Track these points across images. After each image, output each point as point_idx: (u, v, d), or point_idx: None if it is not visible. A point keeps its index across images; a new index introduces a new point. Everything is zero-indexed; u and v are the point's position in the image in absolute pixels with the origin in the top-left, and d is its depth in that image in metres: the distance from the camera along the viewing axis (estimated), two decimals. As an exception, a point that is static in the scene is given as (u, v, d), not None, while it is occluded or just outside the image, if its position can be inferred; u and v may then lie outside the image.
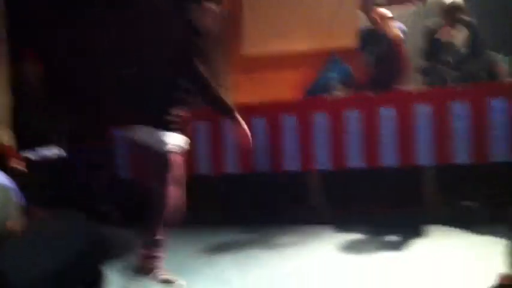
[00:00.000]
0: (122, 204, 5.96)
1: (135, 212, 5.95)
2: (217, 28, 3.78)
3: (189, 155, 5.84)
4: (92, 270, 1.65)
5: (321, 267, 4.25)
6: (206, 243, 5.06)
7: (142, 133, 3.85)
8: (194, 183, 5.86)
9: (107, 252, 1.68)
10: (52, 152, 5.49)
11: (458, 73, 5.92)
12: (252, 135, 5.77)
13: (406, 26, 6.31)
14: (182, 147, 4.00)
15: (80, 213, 1.72)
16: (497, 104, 5.23)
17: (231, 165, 5.83)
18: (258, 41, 7.24)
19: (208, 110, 4.14)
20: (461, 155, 5.25)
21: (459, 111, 5.32)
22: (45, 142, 5.46)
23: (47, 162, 5.38)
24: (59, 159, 5.54)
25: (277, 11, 7.20)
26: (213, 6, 3.80)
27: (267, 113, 5.80)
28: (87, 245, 1.60)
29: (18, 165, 4.65)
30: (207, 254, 4.84)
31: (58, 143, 5.57)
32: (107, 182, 6.05)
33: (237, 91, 7.02)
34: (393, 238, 4.82)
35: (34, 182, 5.23)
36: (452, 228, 4.87)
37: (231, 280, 4.13)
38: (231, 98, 7.13)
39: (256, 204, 5.74)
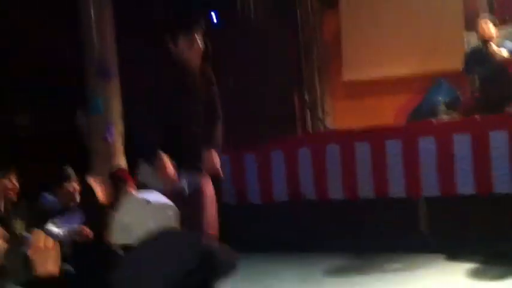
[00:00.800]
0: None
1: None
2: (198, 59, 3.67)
3: (292, 182, 5.92)
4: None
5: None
6: (317, 268, 4.99)
7: None
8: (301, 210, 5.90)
9: (217, 270, 1.69)
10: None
11: None
12: (356, 161, 5.76)
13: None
14: None
15: (190, 231, 1.74)
16: None
17: (335, 191, 5.77)
18: (358, 67, 7.17)
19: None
20: None
21: None
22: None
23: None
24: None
25: (378, 36, 7.11)
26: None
27: (370, 138, 5.69)
28: (197, 262, 1.61)
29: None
30: (321, 280, 4.77)
31: None
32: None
33: (339, 117, 6.99)
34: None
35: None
36: None
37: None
38: (334, 123, 7.16)
39: (362, 231, 5.60)
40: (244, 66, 6.55)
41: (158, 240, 1.75)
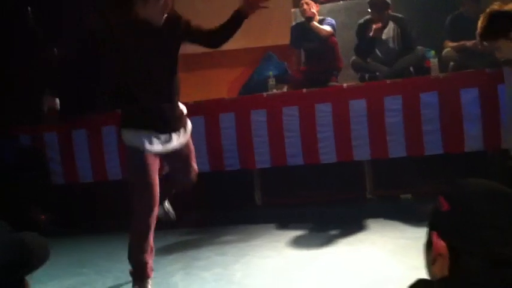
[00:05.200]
0: (55, 210, 5.82)
1: (69, 218, 5.83)
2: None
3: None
4: (14, 281, 1.54)
5: (267, 265, 4.27)
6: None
7: None
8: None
9: (29, 261, 1.55)
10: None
11: (389, 68, 6.08)
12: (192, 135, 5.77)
13: (338, 21, 6.43)
14: None
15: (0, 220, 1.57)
16: (428, 97, 5.37)
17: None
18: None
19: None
20: (396, 149, 5.38)
21: (392, 105, 5.43)
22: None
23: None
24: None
25: (210, 9, 7.13)
26: None
27: (205, 111, 5.75)
28: (8, 254, 1.48)
29: None
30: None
31: None
32: (38, 187, 5.85)
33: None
34: (335, 232, 4.88)
35: None
36: (392, 221, 4.96)
37: (177, 284, 4.08)
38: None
39: (198, 205, 5.67)
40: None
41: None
